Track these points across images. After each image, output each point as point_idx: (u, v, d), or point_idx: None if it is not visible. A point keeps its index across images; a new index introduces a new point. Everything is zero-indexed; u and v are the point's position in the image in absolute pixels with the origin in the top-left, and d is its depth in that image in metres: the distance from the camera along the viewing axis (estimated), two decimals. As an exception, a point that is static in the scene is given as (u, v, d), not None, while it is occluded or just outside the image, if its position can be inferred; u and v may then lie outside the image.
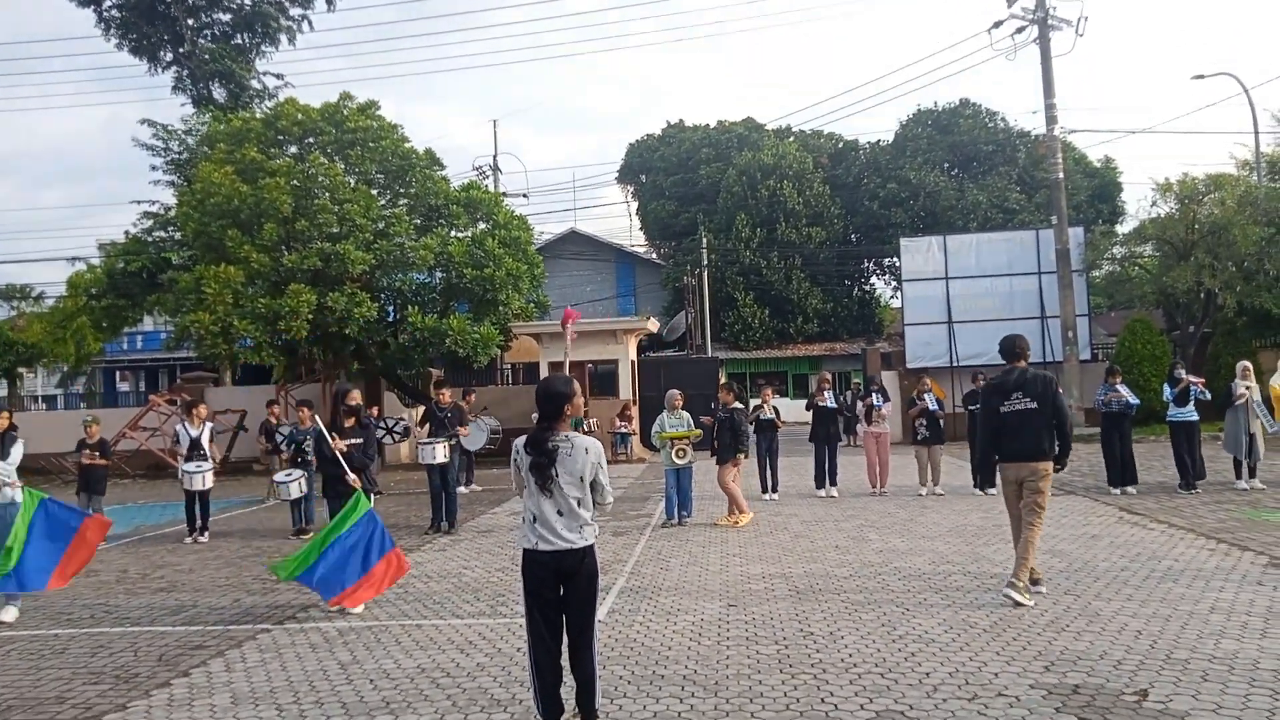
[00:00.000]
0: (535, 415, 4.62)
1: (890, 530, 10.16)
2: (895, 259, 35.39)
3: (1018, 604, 6.50)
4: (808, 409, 14.08)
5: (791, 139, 42.14)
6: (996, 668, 5.24)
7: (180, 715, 4.94)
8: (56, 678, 5.72)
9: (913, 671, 5.22)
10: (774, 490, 13.25)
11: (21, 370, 35.23)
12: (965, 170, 39.10)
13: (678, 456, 11.09)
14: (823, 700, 4.81)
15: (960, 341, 23.40)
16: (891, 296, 42.40)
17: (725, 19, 75.27)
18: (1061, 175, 23.01)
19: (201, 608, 7.56)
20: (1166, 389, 12.84)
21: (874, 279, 42.63)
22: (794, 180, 38.50)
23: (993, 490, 12.23)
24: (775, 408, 13.39)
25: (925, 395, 13.30)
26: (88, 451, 11.84)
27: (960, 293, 23.76)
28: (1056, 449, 6.77)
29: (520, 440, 4.51)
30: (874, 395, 13.84)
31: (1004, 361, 7.20)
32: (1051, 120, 22.63)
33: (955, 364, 23.01)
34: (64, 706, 5.15)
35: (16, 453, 7.80)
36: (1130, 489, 12.37)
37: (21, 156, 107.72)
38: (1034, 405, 6.76)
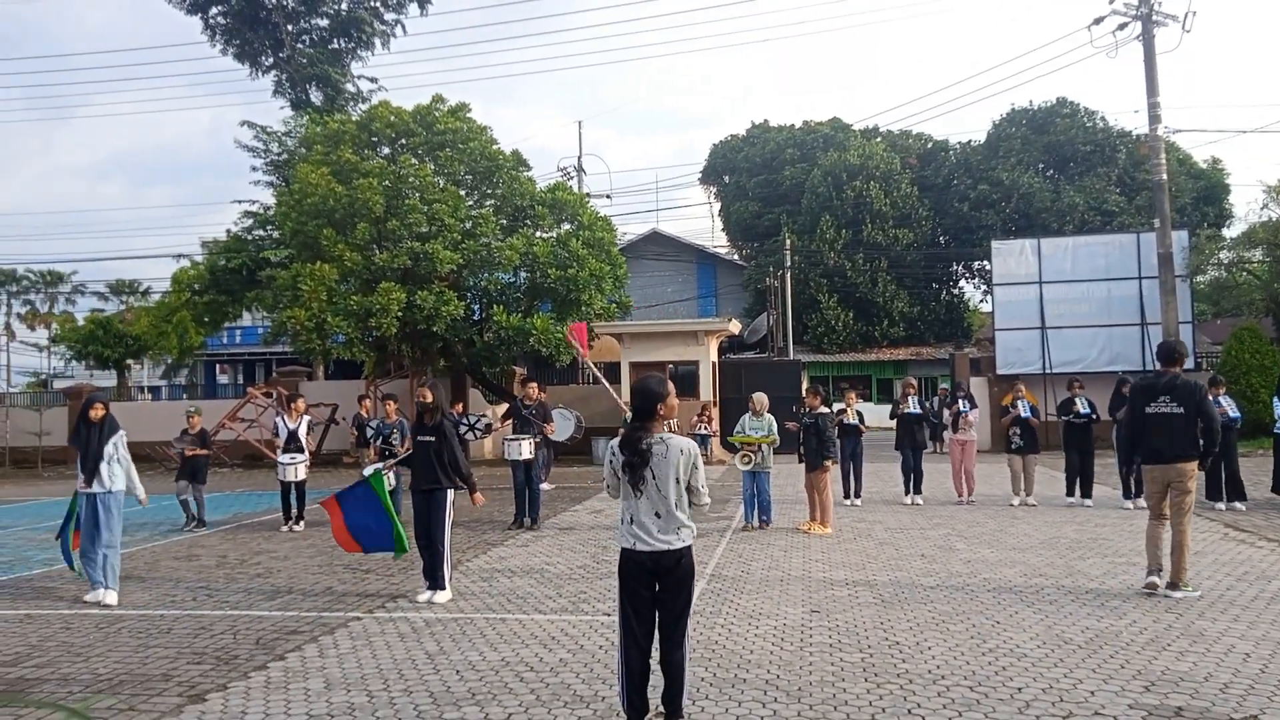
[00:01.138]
0: (627, 415, 4.62)
1: (979, 540, 9.90)
2: (985, 262, 34.53)
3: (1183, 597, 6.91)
4: (892, 418, 13.81)
5: (879, 139, 41.46)
6: (1093, 686, 5.05)
7: (276, 697, 5.12)
8: (163, 656, 5.98)
9: (1003, 686, 5.08)
10: (857, 496, 13.06)
11: (129, 362, 37.05)
12: (1061, 171, 37.87)
13: (741, 462, 10.99)
14: (909, 712, 4.71)
15: (1054, 348, 22.68)
16: (981, 300, 41.38)
17: (812, 18, 74.46)
18: (1165, 177, 22.06)
19: (296, 594, 7.82)
20: (1277, 402, 12.21)
21: (963, 282, 41.67)
22: (881, 181, 37.87)
23: (1142, 503, 11.54)
24: (859, 412, 13.18)
25: (1019, 402, 12.91)
26: (189, 442, 12.39)
27: (1054, 297, 23.03)
28: (1201, 448, 7.04)
29: (614, 441, 4.52)
30: (961, 401, 13.52)
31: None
32: (1155, 119, 21.72)
33: (1048, 371, 22.29)
34: (169, 684, 5.38)
35: (112, 448, 7.79)
36: (1238, 505, 11.79)
37: (131, 157, 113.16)
38: (1180, 410, 7.05)
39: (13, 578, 8.84)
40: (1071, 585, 7.58)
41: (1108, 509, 12.13)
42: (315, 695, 5.13)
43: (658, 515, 4.33)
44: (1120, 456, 11.97)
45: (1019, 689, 5.02)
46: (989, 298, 28.33)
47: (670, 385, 4.54)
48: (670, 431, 4.60)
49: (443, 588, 7.45)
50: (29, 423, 23.28)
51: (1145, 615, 6.52)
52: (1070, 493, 12.72)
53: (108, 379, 38.93)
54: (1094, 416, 12.75)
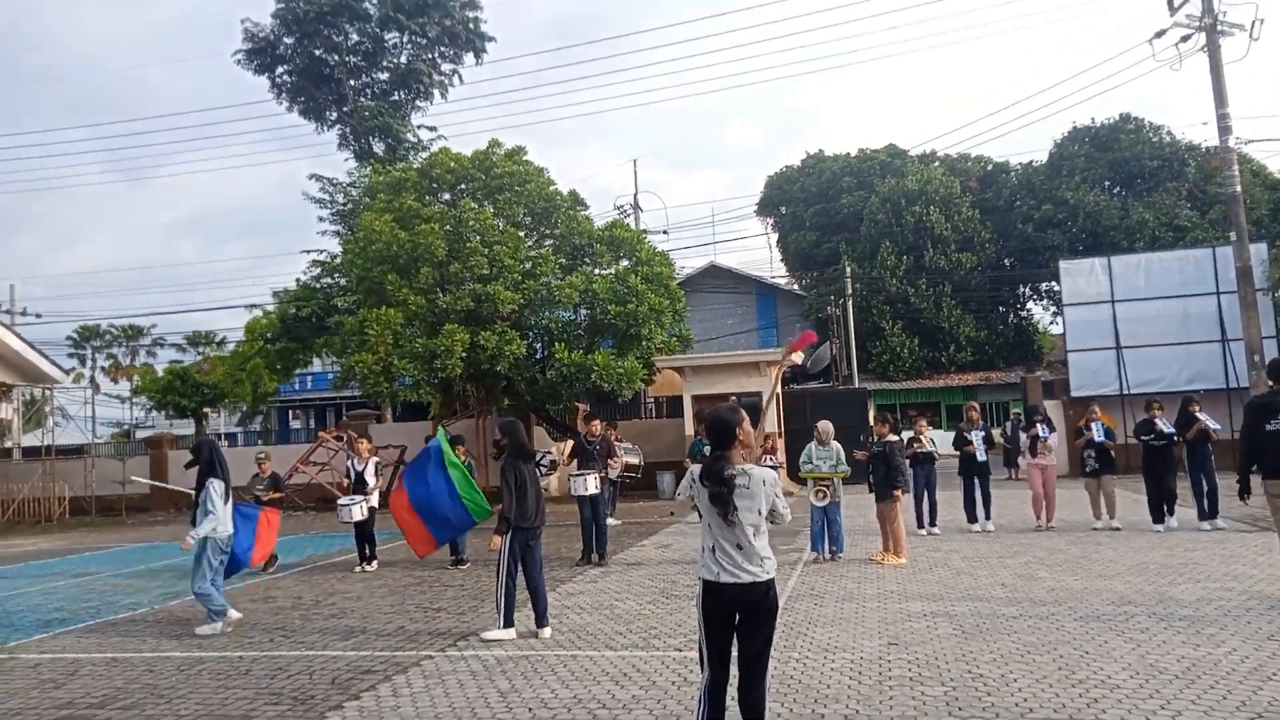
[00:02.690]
0: (705, 447, 4.55)
1: (1061, 568, 9.55)
2: (1053, 283, 33.78)
3: None
4: (956, 447, 13.42)
5: (937, 163, 41.04)
6: (1193, 718, 4.80)
7: (353, 736, 5.14)
8: (241, 697, 6.06)
9: None
10: (933, 524, 12.74)
11: (206, 410, 38.22)
12: (1128, 188, 36.97)
13: (816, 498, 10.81)
14: (997, 746, 4.52)
15: (1131, 367, 21.95)
16: (1051, 322, 40.41)
17: (862, 47, 74.42)
18: (1239, 189, 21.30)
19: (369, 634, 7.88)
20: None
21: (1030, 304, 40.76)
22: (941, 205, 37.41)
23: (1221, 523, 11.73)
24: (931, 439, 12.92)
25: (1093, 425, 12.56)
26: (262, 486, 12.65)
27: (1128, 316, 22.34)
28: None
29: (695, 469, 4.48)
30: (1039, 425, 13.14)
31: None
32: (1225, 131, 21.06)
33: (1125, 392, 21.58)
34: (249, 724, 5.44)
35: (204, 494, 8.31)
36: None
37: (206, 214, 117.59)
38: None
39: (99, 622, 9.08)
40: (1164, 613, 7.25)
41: (1196, 532, 11.63)
42: (390, 734, 5.13)
43: (739, 547, 4.25)
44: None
45: (1113, 722, 4.79)
46: (1059, 319, 27.65)
47: (742, 413, 4.49)
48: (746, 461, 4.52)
49: (545, 624, 7.53)
50: (113, 472, 24.08)
51: (1246, 643, 6.19)
52: (1158, 519, 12.18)
53: (186, 428, 40.19)
54: (1175, 438, 12.29)
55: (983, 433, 13.40)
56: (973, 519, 12.95)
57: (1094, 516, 12.54)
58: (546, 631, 7.46)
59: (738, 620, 4.26)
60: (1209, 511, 11.88)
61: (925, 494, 12.75)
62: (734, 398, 21.30)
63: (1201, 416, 12.11)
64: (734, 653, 4.29)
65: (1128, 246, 31.74)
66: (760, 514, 4.29)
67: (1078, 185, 36.09)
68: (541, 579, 7.61)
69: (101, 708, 5.94)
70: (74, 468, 25.84)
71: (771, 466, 19.81)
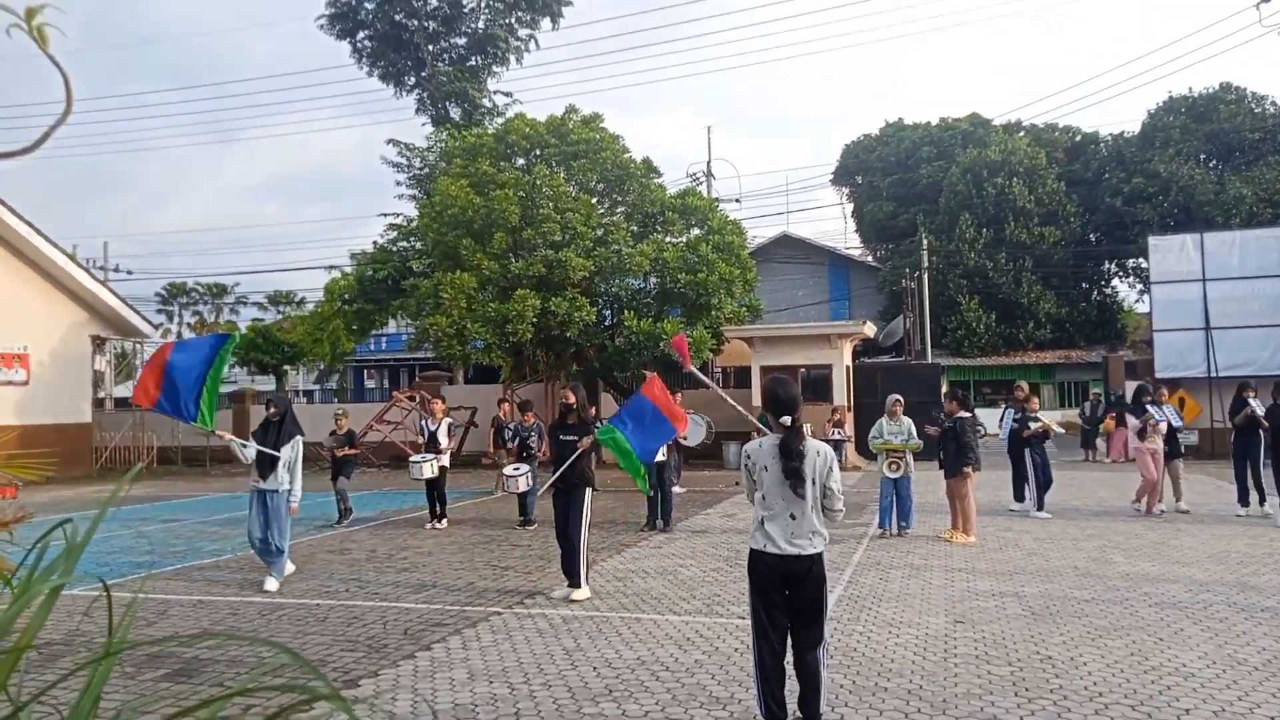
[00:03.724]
0: (779, 418, 4.50)
1: (1138, 553, 9.31)
2: (1141, 259, 32.55)
3: None
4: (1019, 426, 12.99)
5: (1022, 134, 39.73)
6: (1272, 710, 4.67)
7: (424, 685, 5.32)
8: (319, 643, 6.32)
9: (1169, 707, 4.75)
10: (1039, 509, 12.28)
11: (286, 368, 39.40)
12: (1225, 161, 35.32)
13: (890, 470, 10.72)
14: (1064, 729, 4.47)
15: (1220, 349, 21.11)
16: (1136, 300, 38.99)
17: (948, 10, 72.11)
18: (1348, 162, 20.25)
19: (440, 588, 8.11)
20: None
21: (1115, 281, 39.36)
22: (1024, 177, 36.24)
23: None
24: (1037, 416, 12.64)
25: (1161, 408, 12.47)
26: (337, 441, 13.04)
27: (1220, 296, 21.44)
28: None
29: (750, 445, 4.53)
30: (1152, 408, 12.62)
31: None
32: (1336, 100, 19.95)
33: (1214, 374, 20.78)
34: (326, 669, 5.67)
35: (290, 451, 8.30)
36: None
37: (289, 177, 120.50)
38: None
39: (186, 566, 9.53)
40: (1244, 602, 7.03)
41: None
42: (460, 685, 5.30)
43: (793, 518, 4.31)
44: None
45: (1186, 710, 4.70)
46: (1145, 297, 26.63)
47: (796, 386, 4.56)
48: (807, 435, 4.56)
49: (579, 585, 7.57)
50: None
51: (1332, 637, 5.98)
52: (1244, 502, 11.90)
53: (268, 384, 41.52)
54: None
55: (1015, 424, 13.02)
56: (1020, 498, 12.77)
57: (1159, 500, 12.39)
58: (576, 594, 7.56)
59: (788, 592, 4.31)
60: (1254, 499, 11.83)
61: (1039, 474, 12.35)
62: (803, 370, 21.15)
63: (1253, 403, 11.95)
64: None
65: (1223, 223, 30.42)
66: (815, 484, 4.32)
67: (1171, 158, 34.60)
68: (573, 536, 7.72)
69: (189, 646, 6.25)
70: (161, 419, 26.95)
71: (839, 440, 19.75)
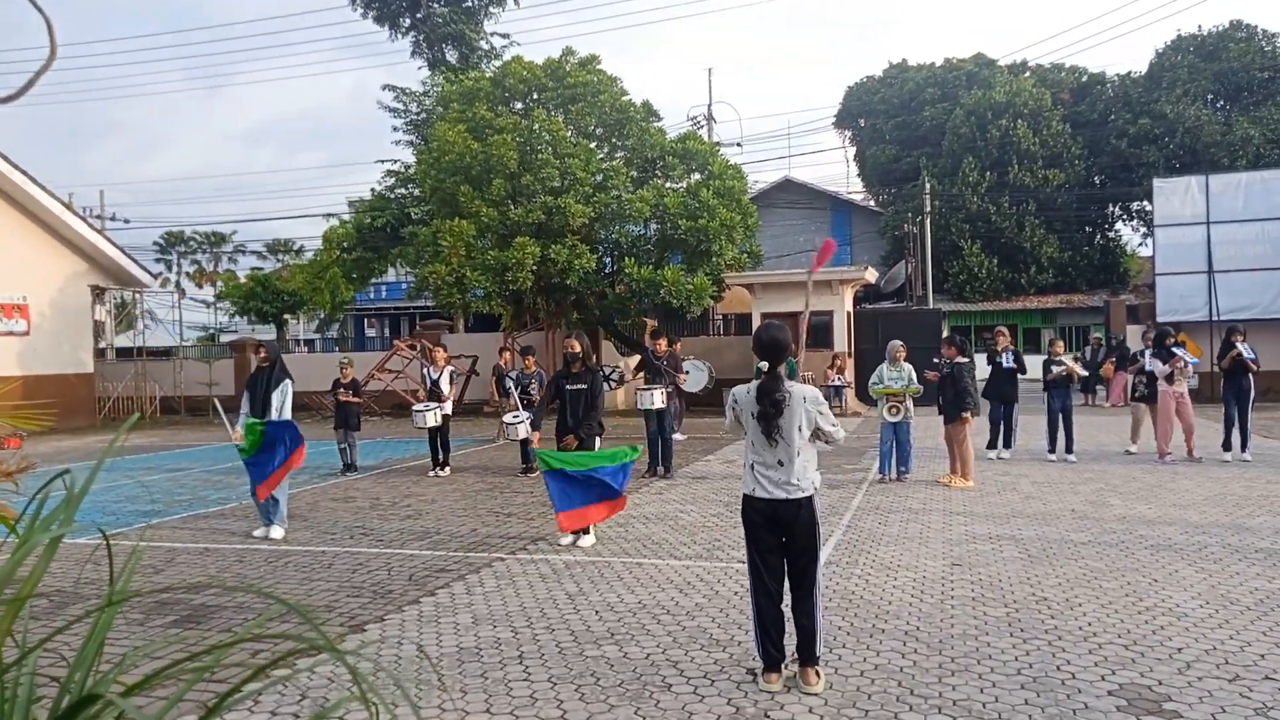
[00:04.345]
0: (759, 364, 4.60)
1: (1135, 496, 9.40)
2: (1145, 202, 32.37)
3: None
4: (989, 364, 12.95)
5: (1027, 74, 39.14)
6: (1263, 649, 4.75)
7: (429, 630, 5.41)
8: (325, 589, 6.41)
9: (1161, 646, 4.83)
10: (1068, 452, 12.24)
11: (286, 316, 39.38)
12: (1234, 101, 34.83)
13: (890, 414, 10.75)
14: (1058, 668, 4.55)
15: (1222, 293, 21.05)
16: (1140, 244, 38.81)
17: (954, -52, 70.34)
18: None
19: (443, 535, 8.20)
20: None
21: (1119, 225, 39.10)
22: (1029, 119, 35.80)
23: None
24: (1063, 360, 12.62)
25: (1145, 353, 12.70)
26: (342, 390, 13.09)
27: (1224, 239, 21.32)
28: None
29: (738, 389, 4.54)
30: (1178, 350, 12.30)
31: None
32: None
33: (1215, 318, 20.74)
34: (333, 614, 5.77)
35: (279, 396, 8.21)
36: None
37: (280, 123, 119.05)
38: None
39: (192, 514, 9.63)
40: (1238, 544, 7.11)
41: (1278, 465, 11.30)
42: (464, 629, 5.39)
43: (780, 464, 4.36)
44: None
45: (1178, 649, 4.77)
46: (1148, 241, 26.48)
47: (789, 332, 4.55)
48: (807, 380, 4.58)
49: (587, 532, 7.65)
50: (200, 374, 25.12)
51: (1325, 578, 6.05)
52: (1227, 446, 12.01)
53: (268, 333, 41.55)
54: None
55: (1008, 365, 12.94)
56: (993, 446, 12.70)
57: (1130, 440, 12.98)
58: (583, 540, 7.68)
59: (783, 537, 4.37)
60: (1238, 444, 11.93)
61: (1060, 420, 12.36)
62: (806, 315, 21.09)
63: (1241, 347, 11.97)
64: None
65: (1229, 164, 30.13)
66: (801, 431, 4.34)
67: (1178, 98, 34.13)
68: None
69: (196, 593, 6.35)
70: (163, 368, 27.02)
71: (839, 386, 19.78)
